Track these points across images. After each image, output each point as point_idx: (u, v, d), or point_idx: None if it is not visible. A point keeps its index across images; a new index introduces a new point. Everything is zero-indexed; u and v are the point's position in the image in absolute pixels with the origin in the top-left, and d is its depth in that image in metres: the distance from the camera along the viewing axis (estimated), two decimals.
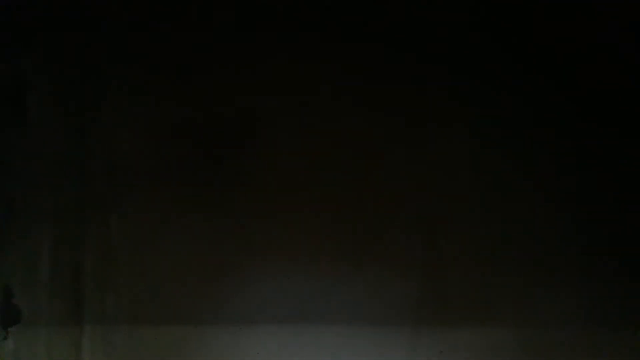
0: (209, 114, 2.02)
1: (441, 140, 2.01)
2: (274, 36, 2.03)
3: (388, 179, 2.00)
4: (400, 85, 2.02)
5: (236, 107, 2.02)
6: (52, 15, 2.03)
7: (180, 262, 1.98)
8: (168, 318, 1.96)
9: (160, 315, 1.97)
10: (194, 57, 2.03)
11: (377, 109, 2.02)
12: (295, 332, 1.96)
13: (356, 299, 1.97)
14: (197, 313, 1.96)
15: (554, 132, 2.01)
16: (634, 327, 1.94)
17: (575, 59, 2.01)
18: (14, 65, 2.02)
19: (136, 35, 2.04)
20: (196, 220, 1.99)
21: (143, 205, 2.00)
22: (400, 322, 1.96)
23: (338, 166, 2.00)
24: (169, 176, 2.01)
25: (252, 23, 2.04)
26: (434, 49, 2.03)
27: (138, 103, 2.03)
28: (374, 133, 2.01)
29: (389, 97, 2.02)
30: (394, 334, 1.95)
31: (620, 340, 1.94)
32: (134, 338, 1.97)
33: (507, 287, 1.97)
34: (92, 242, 2.00)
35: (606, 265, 1.97)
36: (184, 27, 2.04)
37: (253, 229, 1.98)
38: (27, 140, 2.01)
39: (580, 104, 2.01)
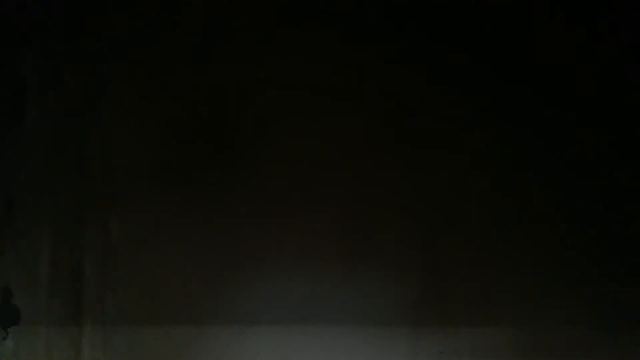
0: (209, 114, 2.02)
1: (441, 141, 2.01)
2: (274, 36, 2.03)
3: (388, 180, 2.00)
4: (401, 86, 2.02)
5: (236, 107, 2.02)
6: (51, 16, 2.02)
7: (180, 262, 1.98)
8: (168, 318, 1.96)
9: (161, 316, 1.96)
10: (194, 58, 2.02)
11: (378, 111, 2.02)
12: (295, 333, 1.96)
13: (356, 299, 1.97)
14: (197, 313, 1.96)
15: (555, 132, 2.01)
16: (633, 328, 1.95)
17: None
18: (12, 65, 2.01)
19: (135, 36, 2.03)
20: (196, 220, 1.99)
21: (142, 206, 2.00)
22: (400, 323, 1.96)
23: (338, 167, 2.00)
24: (168, 176, 2.00)
25: (251, 24, 2.03)
26: (435, 51, 2.03)
27: (137, 104, 2.02)
28: (374, 134, 2.01)
29: (389, 99, 2.02)
30: (394, 335, 1.96)
31: (620, 341, 1.94)
32: (134, 338, 1.97)
33: (507, 287, 1.97)
34: (91, 242, 1.99)
35: (606, 266, 1.97)
36: (183, 28, 2.03)
37: (253, 230, 1.98)
38: (25, 141, 2.00)
39: (576, 109, 2.01)
